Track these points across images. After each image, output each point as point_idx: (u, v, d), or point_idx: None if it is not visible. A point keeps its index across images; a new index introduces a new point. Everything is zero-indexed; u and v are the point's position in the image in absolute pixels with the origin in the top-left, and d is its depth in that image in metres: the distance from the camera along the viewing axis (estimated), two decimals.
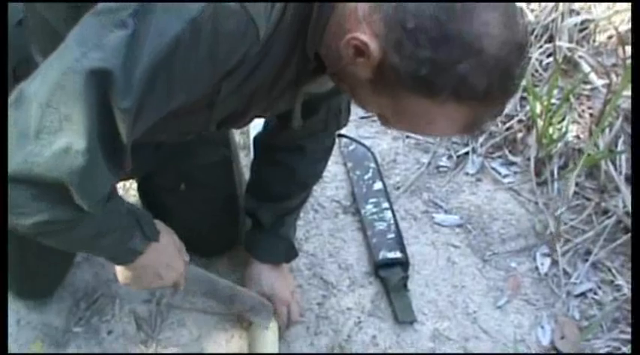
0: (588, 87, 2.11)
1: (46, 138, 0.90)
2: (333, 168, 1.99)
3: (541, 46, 2.20)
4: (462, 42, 0.91)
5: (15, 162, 0.91)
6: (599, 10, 2.25)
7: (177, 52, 0.93)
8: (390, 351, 1.65)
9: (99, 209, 1.00)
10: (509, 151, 2.06)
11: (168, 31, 0.92)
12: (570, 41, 2.17)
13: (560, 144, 1.98)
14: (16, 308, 1.63)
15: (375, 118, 2.11)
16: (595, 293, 1.77)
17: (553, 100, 2.01)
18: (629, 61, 1.85)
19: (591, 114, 2.05)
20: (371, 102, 1.06)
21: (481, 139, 2.07)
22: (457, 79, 0.92)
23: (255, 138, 1.64)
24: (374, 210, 1.87)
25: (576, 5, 2.26)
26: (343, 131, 2.04)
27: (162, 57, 0.92)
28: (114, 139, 0.94)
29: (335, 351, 1.63)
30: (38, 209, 0.96)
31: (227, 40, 0.97)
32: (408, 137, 2.09)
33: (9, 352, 1.56)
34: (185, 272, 1.34)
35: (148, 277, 1.26)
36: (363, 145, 2.03)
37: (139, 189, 1.74)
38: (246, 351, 1.61)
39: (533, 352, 1.66)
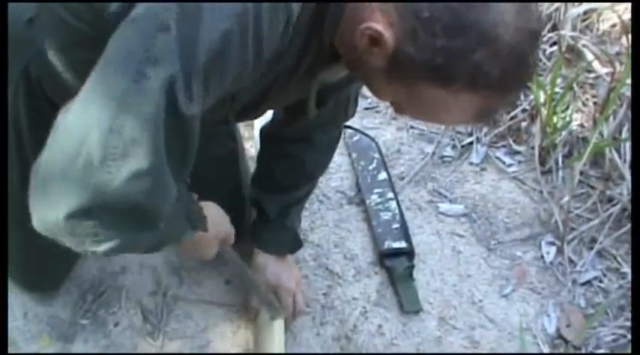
0: (592, 75, 2.11)
1: (114, 165, 0.84)
2: (338, 158, 1.99)
3: (544, 35, 2.20)
4: (477, 30, 0.91)
5: (85, 194, 0.85)
6: None
7: (228, 49, 0.91)
8: (396, 341, 1.65)
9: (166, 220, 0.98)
10: (514, 140, 2.06)
11: (217, 28, 0.89)
12: (574, 30, 2.17)
13: (564, 133, 1.98)
14: (23, 302, 1.63)
15: (379, 109, 2.13)
16: (600, 281, 1.77)
17: (557, 89, 2.01)
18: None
19: (595, 103, 2.05)
20: (386, 91, 1.06)
21: (485, 129, 2.07)
22: (472, 68, 0.92)
23: (262, 130, 1.64)
24: (379, 200, 1.87)
25: None
26: (347, 122, 2.05)
27: (214, 55, 0.89)
28: (182, 147, 0.92)
29: (341, 341, 1.64)
30: (113, 236, 0.91)
31: (270, 35, 0.97)
32: (412, 127, 2.09)
33: (15, 346, 1.57)
34: (230, 237, 1.36)
35: (201, 248, 1.28)
36: (368, 136, 2.03)
37: None
38: (252, 342, 1.61)
39: (539, 340, 1.66)
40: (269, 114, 1.57)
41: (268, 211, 1.61)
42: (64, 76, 1.11)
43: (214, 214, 1.30)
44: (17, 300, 1.63)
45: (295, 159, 1.58)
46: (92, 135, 0.83)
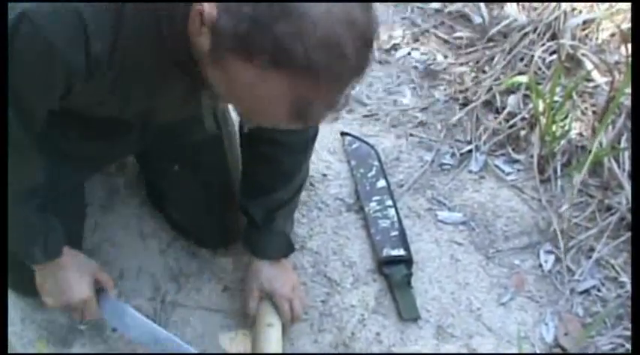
0: (591, 84, 2.11)
1: None
2: (337, 166, 2.00)
3: (543, 44, 2.20)
4: (283, 1, 0.90)
5: None
6: (601, 7, 2.25)
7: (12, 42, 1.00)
8: (394, 348, 1.65)
9: None
10: (513, 149, 2.06)
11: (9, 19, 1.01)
12: (573, 39, 2.17)
13: (563, 142, 1.98)
14: (21, 307, 1.63)
15: (379, 117, 2.13)
16: (599, 290, 1.77)
17: (556, 98, 2.01)
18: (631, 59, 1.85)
19: (594, 112, 2.05)
20: (214, 79, 1.03)
21: (484, 137, 2.07)
22: (273, 40, 0.91)
23: (240, 133, 1.64)
24: (377, 207, 1.87)
25: (579, 4, 2.26)
26: (347, 129, 2.06)
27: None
28: None
29: (339, 349, 1.64)
30: None
31: (53, 41, 1.03)
32: (411, 135, 2.10)
33: (13, 351, 1.57)
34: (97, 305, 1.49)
35: (51, 288, 1.43)
36: (367, 143, 2.03)
37: (141, 175, 1.80)
38: (249, 349, 1.61)
39: (537, 348, 1.66)
40: None
41: (254, 216, 1.60)
42: None
43: (73, 264, 1.44)
44: (15, 306, 1.63)
45: (272, 161, 1.57)
46: None
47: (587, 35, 2.20)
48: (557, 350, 1.67)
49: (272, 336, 1.57)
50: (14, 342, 1.58)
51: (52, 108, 1.19)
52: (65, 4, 1.02)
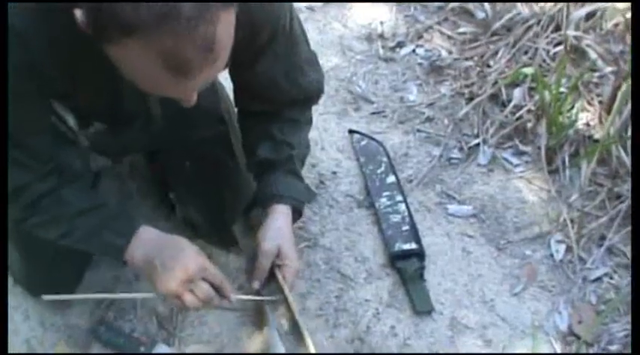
0: (597, 74, 2.12)
1: None
2: (346, 163, 2.01)
3: (547, 36, 2.22)
4: None
5: None
6: None
7: None
8: (409, 341, 1.66)
9: None
10: (520, 141, 2.07)
11: None
12: (577, 29, 2.18)
13: (570, 132, 1.99)
14: (40, 311, 1.66)
15: (386, 114, 2.15)
16: (611, 278, 1.78)
17: (562, 89, 2.02)
18: None
19: (600, 102, 2.07)
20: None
21: (491, 130, 2.08)
22: (113, 16, 0.95)
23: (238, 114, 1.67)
24: (388, 203, 1.89)
25: None
26: (354, 127, 2.08)
27: None
28: None
29: (355, 343, 1.65)
30: None
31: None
32: (419, 131, 2.11)
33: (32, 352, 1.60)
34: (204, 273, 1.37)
35: (162, 271, 1.33)
36: (375, 140, 2.05)
37: (153, 179, 1.84)
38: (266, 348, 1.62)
39: (552, 337, 1.67)
40: None
41: (271, 156, 1.58)
42: None
43: (176, 247, 1.37)
44: (34, 309, 1.65)
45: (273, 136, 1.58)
46: None
47: (591, 26, 2.21)
48: (572, 338, 1.68)
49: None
50: (36, 346, 1.61)
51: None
52: None
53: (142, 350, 1.58)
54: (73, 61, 1.17)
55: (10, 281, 1.68)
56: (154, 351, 1.58)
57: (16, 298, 1.67)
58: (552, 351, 1.66)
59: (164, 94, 1.10)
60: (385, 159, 2.00)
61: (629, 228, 1.83)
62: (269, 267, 1.56)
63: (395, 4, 2.49)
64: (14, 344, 1.60)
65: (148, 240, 1.38)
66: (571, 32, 2.16)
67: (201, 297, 1.36)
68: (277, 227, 1.56)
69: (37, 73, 1.16)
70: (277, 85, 1.50)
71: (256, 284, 1.57)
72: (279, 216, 1.57)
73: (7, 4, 1.09)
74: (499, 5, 2.35)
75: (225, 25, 1.01)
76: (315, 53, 1.58)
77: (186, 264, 1.33)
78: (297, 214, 1.64)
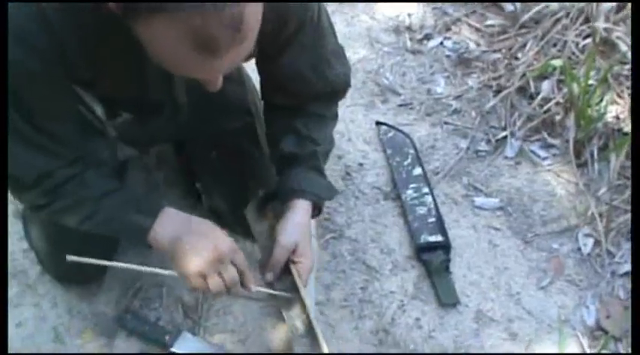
0: (627, 67, 2.10)
1: None
2: (373, 155, 2.01)
3: (576, 29, 2.19)
4: None
5: None
6: None
7: None
8: (434, 333, 1.66)
9: None
10: (548, 134, 2.05)
11: None
12: (607, 21, 2.16)
13: (599, 125, 1.97)
14: (67, 299, 1.68)
15: (413, 106, 2.14)
16: None
17: (591, 81, 2.00)
18: None
19: (630, 94, 2.04)
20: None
21: (519, 123, 2.07)
22: None
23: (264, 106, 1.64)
24: (414, 195, 1.88)
25: None
26: (382, 119, 2.07)
27: None
28: None
29: (379, 334, 1.65)
30: None
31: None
32: (446, 123, 2.10)
33: (61, 340, 1.61)
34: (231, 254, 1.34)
35: (191, 254, 1.29)
36: (402, 132, 2.05)
37: (180, 169, 1.85)
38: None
39: (578, 332, 1.66)
40: None
41: (294, 150, 1.55)
42: None
43: (206, 227, 1.33)
44: (62, 297, 1.67)
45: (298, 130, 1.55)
46: None
47: (620, 17, 2.18)
48: (599, 333, 1.66)
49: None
50: (62, 333, 1.62)
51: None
52: None
53: (167, 338, 1.59)
54: (99, 46, 1.18)
55: (39, 269, 1.70)
56: (179, 340, 1.58)
57: (44, 286, 1.69)
58: (579, 345, 1.64)
59: (190, 75, 1.10)
60: (412, 151, 1.99)
61: None
62: (284, 261, 1.55)
63: None
64: (42, 330, 1.63)
65: (174, 219, 1.35)
66: (600, 24, 2.14)
67: (228, 281, 1.32)
68: (297, 222, 1.53)
69: (63, 57, 1.16)
70: (303, 78, 1.49)
71: (270, 276, 1.51)
72: (299, 211, 1.54)
73: (7, 4, 1.10)
74: None
75: (253, 7, 1.01)
76: (342, 46, 1.56)
77: (219, 244, 1.30)
78: (316, 211, 1.61)
